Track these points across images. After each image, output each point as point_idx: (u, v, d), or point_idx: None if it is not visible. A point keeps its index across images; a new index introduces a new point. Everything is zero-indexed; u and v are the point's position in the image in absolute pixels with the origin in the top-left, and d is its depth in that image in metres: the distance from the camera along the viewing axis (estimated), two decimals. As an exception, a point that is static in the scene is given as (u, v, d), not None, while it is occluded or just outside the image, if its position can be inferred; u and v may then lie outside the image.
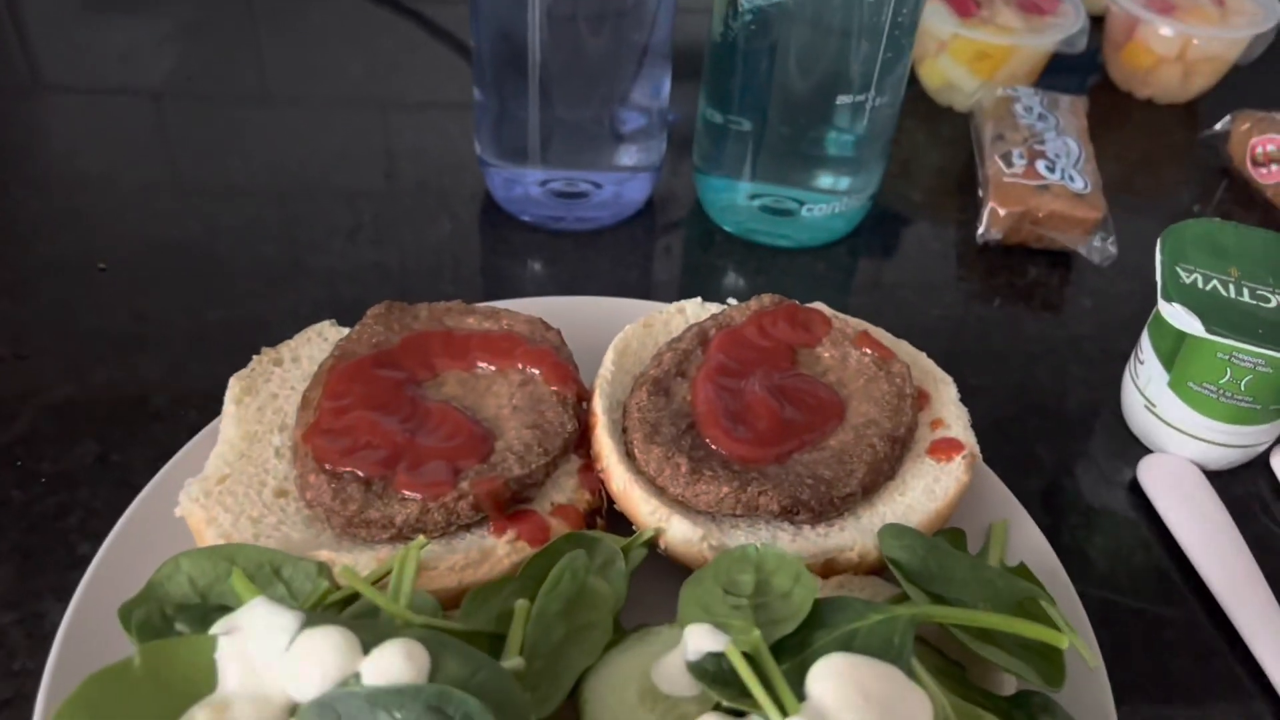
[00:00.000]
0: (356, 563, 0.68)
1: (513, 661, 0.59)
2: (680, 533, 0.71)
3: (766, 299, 0.86)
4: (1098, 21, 1.47)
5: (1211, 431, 0.88)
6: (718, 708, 0.57)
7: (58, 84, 1.34)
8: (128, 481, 0.83)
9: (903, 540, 0.69)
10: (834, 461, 0.75)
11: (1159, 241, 0.89)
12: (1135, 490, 0.92)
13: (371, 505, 0.70)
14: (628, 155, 1.08)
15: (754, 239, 1.12)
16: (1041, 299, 1.11)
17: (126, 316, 0.99)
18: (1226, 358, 0.83)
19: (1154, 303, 0.87)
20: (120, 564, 0.72)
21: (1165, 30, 1.35)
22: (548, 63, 0.97)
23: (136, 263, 1.05)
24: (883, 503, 0.75)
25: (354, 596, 0.64)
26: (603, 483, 0.76)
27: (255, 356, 0.82)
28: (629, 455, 0.76)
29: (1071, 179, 1.11)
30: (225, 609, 0.61)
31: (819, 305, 0.88)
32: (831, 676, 0.56)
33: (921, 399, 0.82)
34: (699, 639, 0.60)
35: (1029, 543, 0.79)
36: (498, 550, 0.71)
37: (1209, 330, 0.82)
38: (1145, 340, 0.91)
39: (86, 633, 0.69)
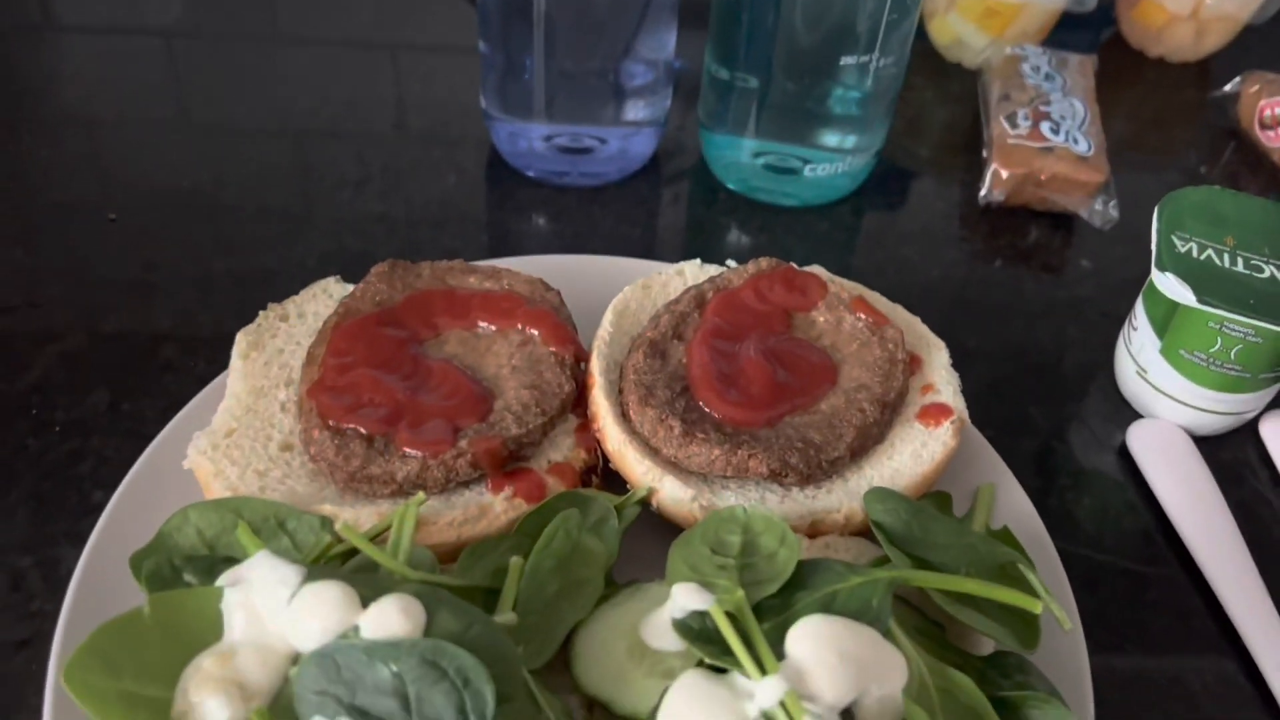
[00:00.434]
0: (359, 517, 0.71)
1: (506, 616, 0.62)
2: (672, 492, 0.73)
3: (764, 262, 0.87)
4: (1111, -24, 1.46)
5: (1201, 399, 0.90)
6: (701, 664, 0.60)
7: (71, 24, 1.34)
8: (139, 430, 0.85)
9: (887, 504, 0.71)
10: (824, 425, 0.77)
11: (1156, 209, 0.90)
12: (1125, 454, 0.94)
13: (373, 462, 0.72)
14: (633, 110, 1.08)
15: (758, 197, 1.13)
16: (1042, 261, 1.12)
17: (137, 265, 1.01)
18: (1217, 327, 0.84)
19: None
20: (131, 512, 0.75)
21: (1179, -13, 1.33)
22: (553, 15, 0.97)
23: (146, 210, 1.07)
24: (870, 466, 0.77)
25: (356, 549, 0.66)
26: (598, 442, 0.78)
27: (261, 312, 0.84)
28: (624, 416, 0.78)
29: (1075, 141, 1.11)
30: (232, 560, 0.64)
31: (816, 269, 0.89)
32: (810, 637, 0.58)
33: (913, 364, 0.84)
34: (685, 597, 0.63)
35: (1015, 507, 0.81)
36: (495, 507, 0.73)
37: (1200, 300, 0.83)
38: (1139, 307, 0.92)
39: (100, 578, 0.71)
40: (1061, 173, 1.09)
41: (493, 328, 0.82)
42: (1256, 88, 1.27)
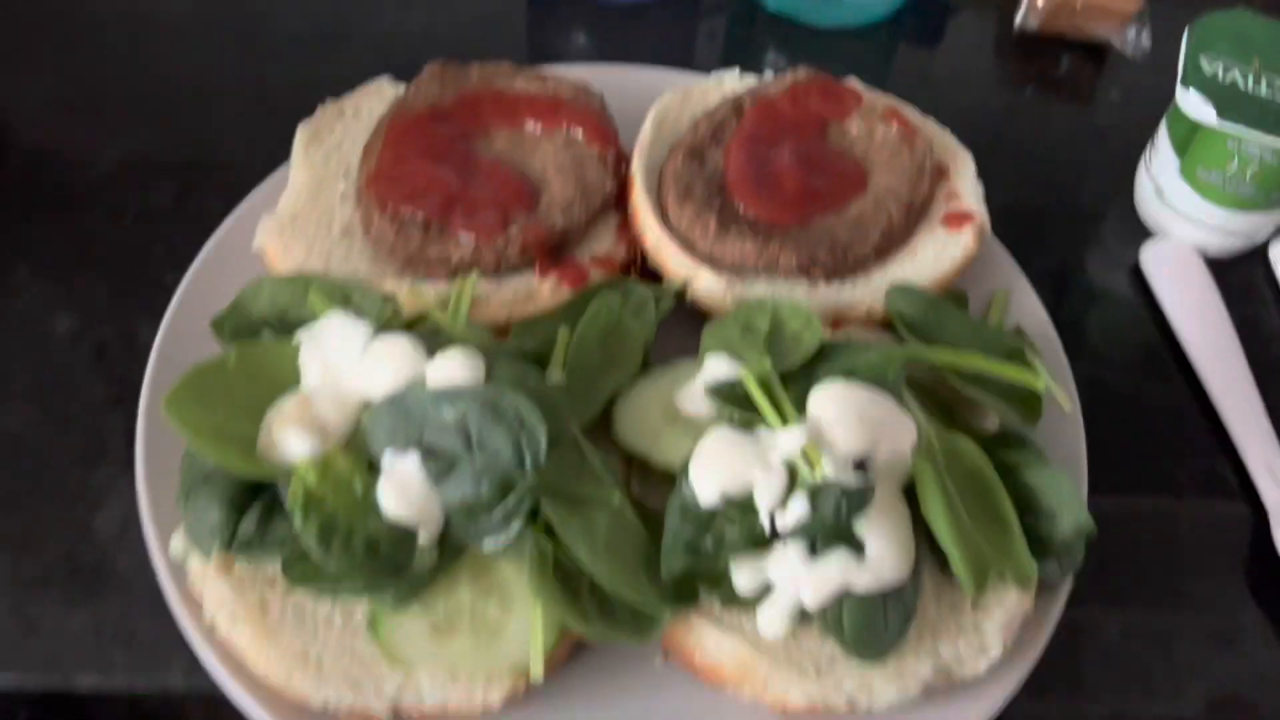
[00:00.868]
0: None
1: (556, 375, 0.68)
2: (707, 284, 0.79)
3: (802, 72, 0.90)
4: None
5: (1215, 218, 0.93)
6: (730, 421, 0.66)
7: None
8: (205, 221, 0.90)
9: (907, 297, 0.76)
10: (852, 225, 0.81)
11: (1186, 30, 0.92)
12: (1137, 274, 0.98)
13: (430, 245, 0.78)
14: (675, -72, 1.09)
15: (796, 18, 1.14)
16: (1071, 90, 1.14)
17: (194, 72, 1.05)
18: (1235, 147, 0.87)
19: (1178, 96, 0.90)
20: (205, 288, 0.80)
21: None
22: None
23: (197, 19, 1.10)
24: (894, 264, 0.82)
25: (415, 322, 0.72)
26: (638, 240, 0.83)
27: (320, 106, 0.89)
28: (663, 215, 0.82)
29: (1114, -31, 1.12)
30: (302, 325, 0.70)
31: (852, 80, 0.92)
32: (829, 398, 0.64)
33: (940, 173, 0.87)
34: (717, 367, 0.69)
35: (1029, 313, 0.86)
36: (542, 291, 0.79)
37: (1221, 118, 0.86)
38: (1162, 128, 0.95)
39: (178, 346, 0.78)
40: (1097, 1, 1.10)
41: (539, 128, 0.86)
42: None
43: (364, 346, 0.65)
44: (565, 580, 0.63)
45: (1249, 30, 0.92)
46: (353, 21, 1.12)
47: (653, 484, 0.71)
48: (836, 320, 0.80)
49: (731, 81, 0.93)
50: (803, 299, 0.80)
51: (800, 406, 0.66)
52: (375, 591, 0.61)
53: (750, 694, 0.65)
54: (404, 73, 0.92)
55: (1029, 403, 0.72)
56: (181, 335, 0.78)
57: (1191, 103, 0.87)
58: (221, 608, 0.64)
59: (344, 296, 0.74)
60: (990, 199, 0.88)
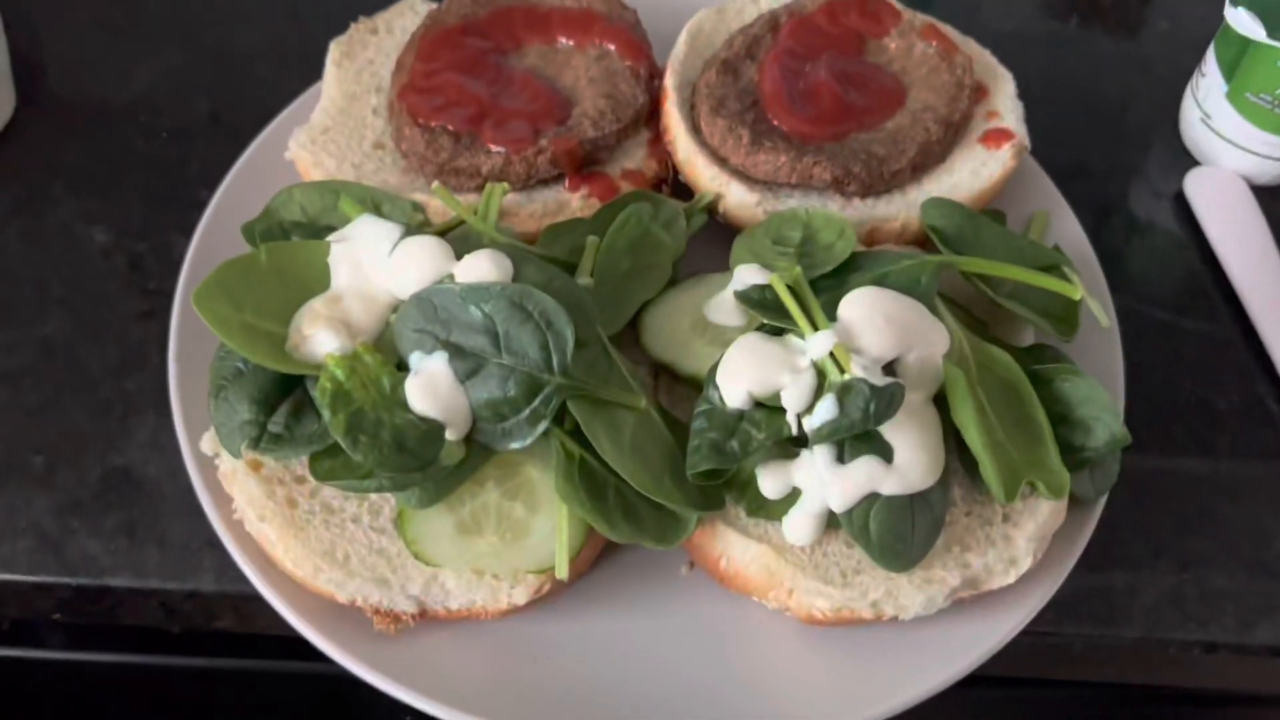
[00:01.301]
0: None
1: (584, 280, 0.67)
2: (738, 197, 0.78)
3: (839, -10, 0.88)
4: None
5: (1263, 144, 0.91)
6: (760, 329, 0.66)
7: None
8: (239, 138, 0.90)
9: (943, 210, 0.74)
10: (888, 141, 0.80)
11: (1237, -54, 0.89)
12: (1180, 202, 0.96)
13: (460, 155, 0.77)
14: None
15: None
16: (1119, 17, 1.11)
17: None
18: (1286, 67, 0.85)
19: (1227, 21, 0.88)
20: (237, 201, 0.81)
21: None
22: None
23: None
24: (930, 181, 0.81)
25: (446, 230, 0.72)
26: (669, 154, 0.82)
27: (353, 24, 0.88)
28: (695, 129, 0.81)
29: (1166, -108, 1.09)
30: (334, 230, 0.70)
31: (891, -1, 0.90)
32: (859, 303, 0.64)
33: (980, 92, 0.86)
34: (747, 274, 0.68)
35: (1068, 236, 0.85)
36: (572, 204, 0.78)
37: (1272, 35, 0.83)
38: (1210, 52, 0.93)
39: (211, 257, 0.77)
40: (1147, -76, 1.08)
41: (571, 43, 0.85)
42: None
43: (393, 247, 0.65)
44: (591, 483, 0.62)
45: (1304, -52, 0.89)
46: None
47: (680, 395, 0.71)
48: (870, 236, 0.79)
49: (767, -2, 0.92)
50: (837, 213, 0.79)
51: (831, 314, 0.65)
52: (402, 487, 0.61)
53: (775, 602, 0.65)
54: (436, -9, 0.91)
55: (1065, 316, 0.71)
56: (214, 247, 0.78)
57: (1241, 20, 0.84)
58: (250, 505, 0.64)
59: (374, 204, 0.73)
60: (1032, 126, 0.86)
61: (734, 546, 0.65)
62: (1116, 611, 0.74)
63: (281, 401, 0.64)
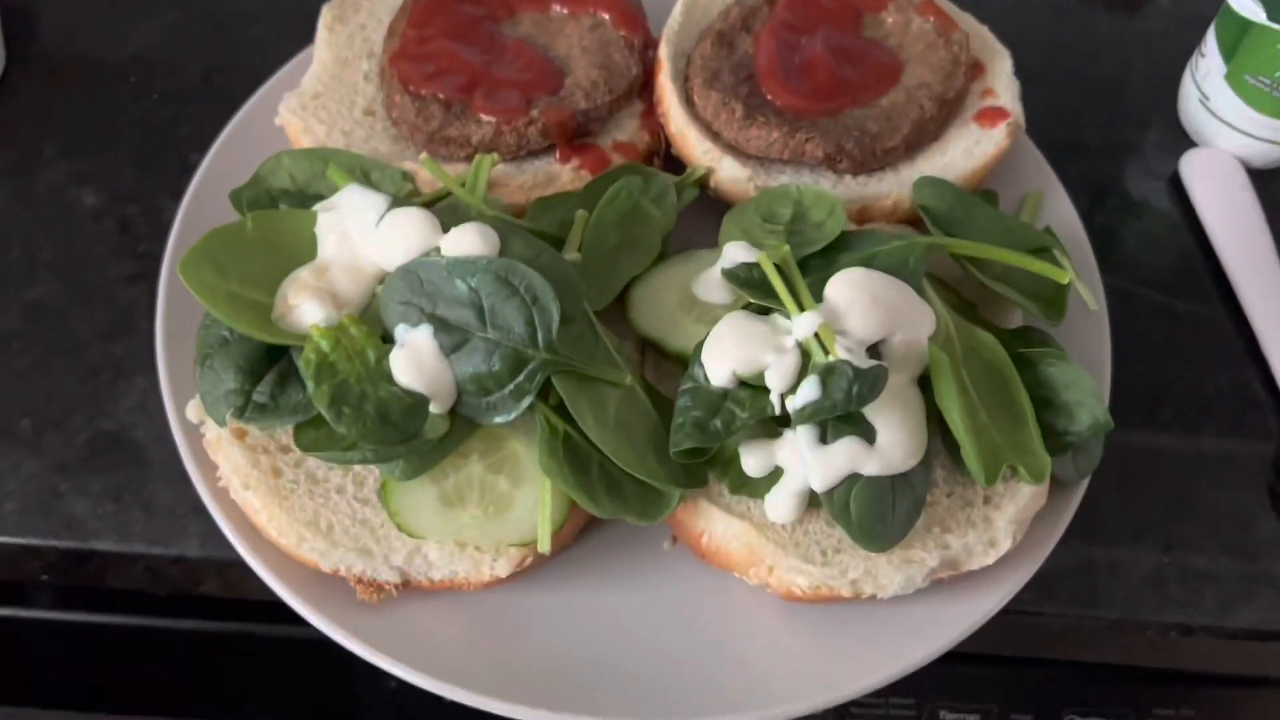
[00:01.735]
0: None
1: (572, 255, 0.67)
2: (730, 172, 0.77)
3: (837, -38, 0.87)
4: None
5: (1260, 126, 0.90)
6: (747, 307, 0.65)
7: None
8: (231, 100, 0.90)
9: (935, 189, 0.74)
10: (882, 118, 0.79)
11: (1241, -73, 0.88)
12: (1176, 184, 0.95)
13: (451, 124, 0.77)
14: None
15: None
16: (1120, -3, 1.10)
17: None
18: (1286, 49, 0.84)
19: (1231, 3, 0.87)
20: (227, 166, 0.80)
21: None
22: None
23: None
24: (923, 159, 0.80)
25: (434, 200, 0.72)
26: (662, 127, 0.82)
27: (345, -13, 0.87)
28: (689, 101, 0.81)
29: None
30: (321, 199, 0.70)
31: (890, -28, 0.89)
32: (846, 283, 0.63)
33: (977, 70, 0.85)
34: (736, 252, 0.68)
35: (1061, 217, 0.84)
36: (562, 175, 0.78)
37: (1272, 18, 0.82)
38: (1211, 32, 0.92)
39: (199, 222, 0.77)
40: (1153, -101, 1.06)
41: (565, 11, 0.85)
42: None
43: (380, 218, 0.65)
44: (575, 458, 0.63)
45: (1308, -72, 0.88)
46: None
47: (666, 371, 0.71)
48: (861, 214, 0.78)
49: (766, -31, 0.91)
50: (828, 190, 0.78)
51: (818, 294, 0.65)
52: (386, 459, 0.61)
53: (756, 578, 0.65)
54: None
55: (1053, 299, 0.71)
56: (204, 211, 0.78)
57: (1241, 2, 0.83)
58: (235, 473, 0.65)
59: (362, 172, 0.73)
60: (1029, 103, 0.85)
61: (716, 523, 0.65)
62: (1097, 592, 0.74)
63: (267, 371, 0.64)
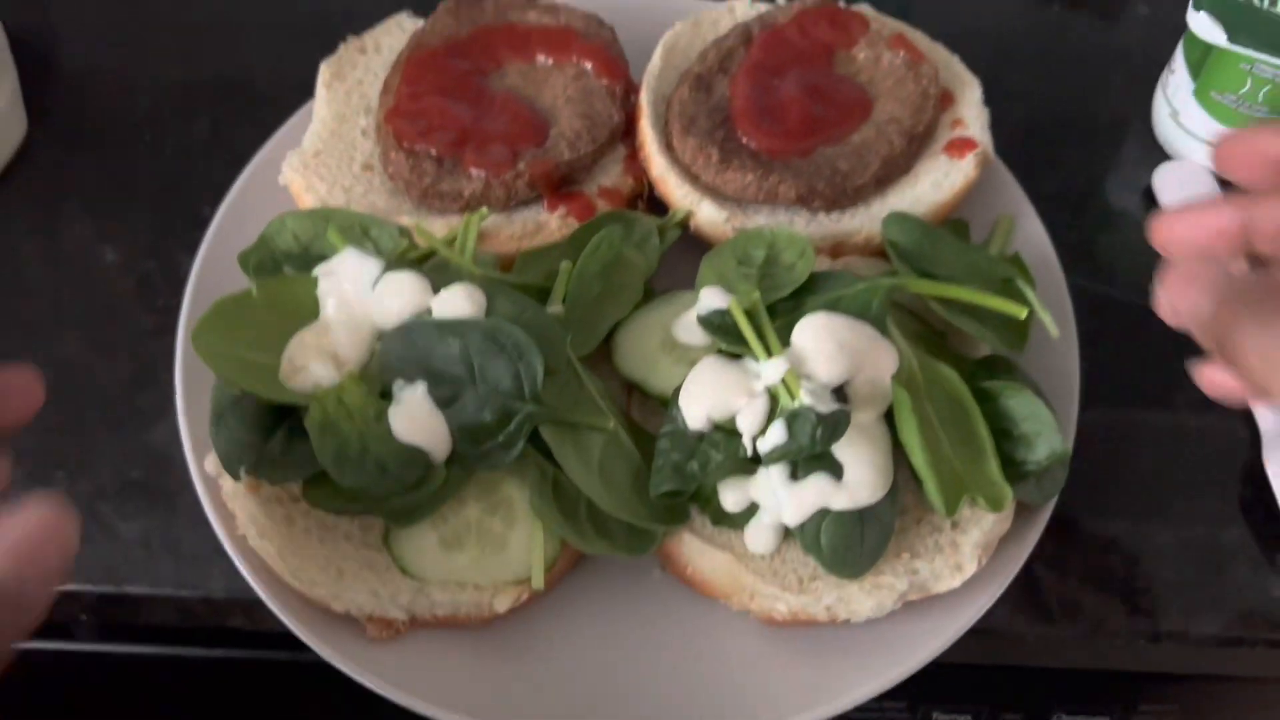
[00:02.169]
0: (431, 228, 0.80)
1: (555, 307, 0.72)
2: (708, 215, 0.81)
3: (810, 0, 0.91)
4: None
5: (1229, 141, 0.93)
6: (720, 352, 0.70)
7: None
8: (239, 155, 0.94)
9: (902, 225, 0.78)
10: (853, 155, 0.83)
11: (1201, -52, 0.91)
12: (1150, 197, 0.98)
13: (443, 179, 0.81)
14: None
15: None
16: (1098, 7, 1.13)
17: (224, 5, 1.08)
18: (1248, 69, 0.87)
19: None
20: (235, 223, 0.85)
21: None
22: None
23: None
24: (894, 193, 0.84)
25: (429, 255, 0.76)
26: (644, 170, 0.86)
27: (342, 44, 0.92)
28: (668, 146, 0.85)
29: (1146, -121, 1.09)
30: (324, 259, 0.75)
31: (862, 6, 0.92)
32: (811, 328, 0.68)
33: (945, 100, 0.88)
34: (710, 298, 0.72)
35: (1031, 237, 0.88)
36: (550, 224, 0.82)
37: (1232, 41, 0.85)
38: (1179, 49, 0.95)
39: (213, 276, 0.82)
40: (1126, -88, 1.08)
41: (550, 61, 0.89)
42: None
43: (375, 280, 0.70)
44: (564, 499, 0.67)
45: (1270, -54, 0.90)
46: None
47: (652, 408, 0.75)
48: (835, 249, 0.82)
49: (742, 8, 0.94)
50: (802, 228, 0.82)
51: (786, 337, 0.69)
52: (386, 509, 0.66)
53: (739, 605, 0.70)
54: (423, 7, 0.95)
55: (1016, 330, 0.74)
56: (216, 268, 0.82)
57: (1201, 24, 0.86)
58: (251, 523, 0.70)
59: (362, 230, 0.78)
60: (1006, 117, 0.89)
61: (699, 555, 0.70)
62: (1066, 605, 0.78)
63: (277, 428, 0.69)
